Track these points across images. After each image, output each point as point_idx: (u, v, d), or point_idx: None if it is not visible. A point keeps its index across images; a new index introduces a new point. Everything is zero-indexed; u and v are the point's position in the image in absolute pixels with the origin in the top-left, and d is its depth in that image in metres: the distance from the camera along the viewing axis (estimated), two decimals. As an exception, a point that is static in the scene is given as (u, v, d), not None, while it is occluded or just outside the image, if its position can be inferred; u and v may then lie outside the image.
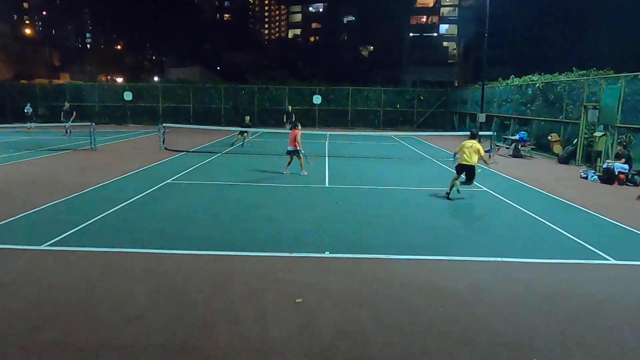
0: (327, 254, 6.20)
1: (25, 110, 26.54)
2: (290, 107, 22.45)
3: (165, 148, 17.26)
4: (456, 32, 63.67)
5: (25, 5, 79.68)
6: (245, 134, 19.08)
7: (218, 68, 71.42)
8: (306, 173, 12.19)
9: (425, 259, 6.16)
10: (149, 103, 33.04)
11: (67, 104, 24.10)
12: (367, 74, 58.02)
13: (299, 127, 12.61)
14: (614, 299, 5.03)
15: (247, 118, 19.80)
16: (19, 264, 5.72)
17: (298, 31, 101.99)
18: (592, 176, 12.62)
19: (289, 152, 12.39)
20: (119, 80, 54.47)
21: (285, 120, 21.59)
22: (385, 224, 7.81)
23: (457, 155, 9.73)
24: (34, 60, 60.52)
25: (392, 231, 7.41)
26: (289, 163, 12.50)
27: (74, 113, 23.16)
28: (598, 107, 14.57)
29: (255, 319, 4.40)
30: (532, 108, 19.56)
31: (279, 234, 7.13)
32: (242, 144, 18.98)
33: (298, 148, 12.16)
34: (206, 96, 32.94)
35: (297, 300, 4.80)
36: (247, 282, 5.25)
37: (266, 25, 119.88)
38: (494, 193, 10.53)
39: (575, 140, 15.84)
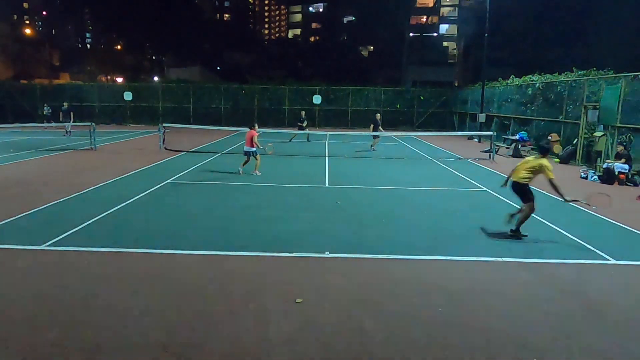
0: (327, 254, 6.20)
1: (45, 111, 26.31)
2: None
3: (165, 148, 17.26)
4: (456, 32, 63.64)
5: (25, 5, 79.69)
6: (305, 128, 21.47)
7: (218, 68, 71.41)
8: (259, 173, 12.07)
9: (425, 259, 6.16)
10: (149, 103, 33.03)
11: (65, 104, 24.09)
12: (367, 74, 58.00)
13: (256, 127, 12.34)
14: (614, 299, 5.03)
15: (303, 113, 22.51)
16: (19, 264, 5.72)
17: (298, 31, 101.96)
18: (592, 176, 12.62)
19: (246, 153, 12.22)
20: (119, 80, 54.51)
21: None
22: (385, 224, 7.81)
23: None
24: (34, 60, 60.50)
25: (392, 231, 7.41)
26: (245, 162, 12.29)
27: (72, 114, 23.14)
28: (598, 107, 14.57)
29: (255, 319, 4.40)
30: (532, 108, 19.56)
31: (279, 234, 7.13)
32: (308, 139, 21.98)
33: (255, 148, 12.04)
34: (206, 96, 32.94)
35: (297, 300, 4.80)
36: (247, 282, 5.25)
37: (266, 25, 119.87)
38: (494, 193, 10.53)
39: (575, 140, 15.84)
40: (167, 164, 14.22)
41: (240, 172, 12.12)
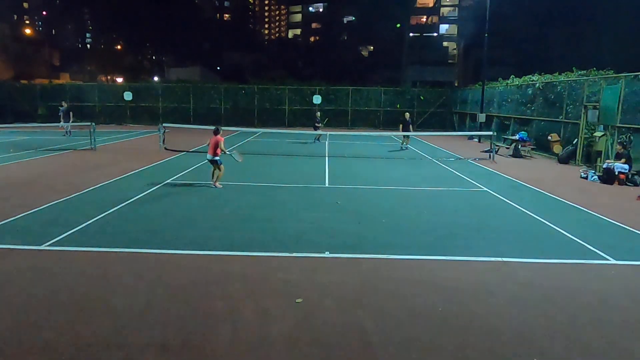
0: (327, 254, 6.20)
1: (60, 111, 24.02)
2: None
3: (165, 148, 17.26)
4: (456, 32, 63.67)
5: (25, 5, 79.76)
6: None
7: (218, 68, 71.43)
8: (220, 186, 10.45)
9: (425, 259, 6.16)
10: (149, 103, 33.02)
11: (64, 104, 24.01)
12: (367, 74, 58.02)
13: (220, 131, 10.78)
14: (614, 299, 5.03)
15: (318, 114, 22.59)
16: (19, 264, 5.72)
17: (298, 31, 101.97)
18: (592, 176, 12.62)
19: (210, 162, 10.65)
20: (119, 80, 54.51)
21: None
22: (385, 224, 7.81)
23: None
24: (34, 60, 60.51)
25: (392, 231, 7.41)
26: (213, 172, 10.71)
27: (71, 114, 23.02)
28: (598, 107, 14.57)
29: (255, 319, 4.40)
30: (532, 108, 19.56)
31: (279, 234, 7.13)
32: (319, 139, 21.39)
33: (218, 158, 10.43)
34: (206, 96, 32.93)
35: (297, 300, 4.80)
36: (247, 282, 5.26)
37: (266, 25, 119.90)
38: (494, 193, 10.53)
39: (575, 140, 15.84)
40: (167, 164, 14.21)
41: (216, 185, 10.55)
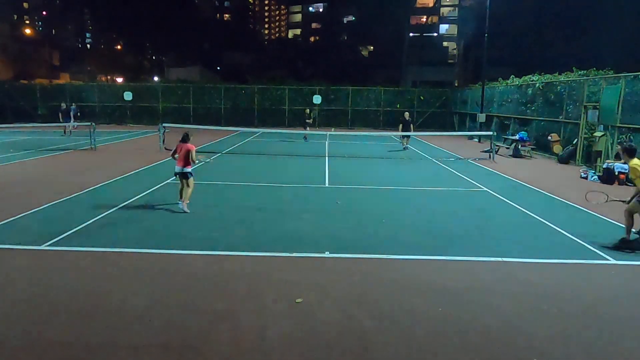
0: (327, 254, 6.20)
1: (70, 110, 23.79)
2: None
3: (165, 148, 17.23)
4: (456, 32, 63.67)
5: (25, 5, 79.69)
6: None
7: (218, 68, 71.45)
8: (187, 210, 8.27)
9: (425, 259, 6.16)
10: (149, 103, 33.01)
11: (64, 105, 23.96)
12: (367, 74, 58.02)
13: (190, 138, 8.66)
14: (614, 299, 5.03)
15: (307, 111, 22.44)
16: (19, 264, 5.72)
17: (298, 31, 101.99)
18: (592, 176, 12.62)
19: (178, 175, 8.58)
20: (119, 80, 54.51)
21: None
22: (385, 224, 7.81)
23: None
24: (34, 60, 60.48)
25: (392, 231, 7.41)
26: (182, 190, 8.58)
27: (71, 114, 22.99)
28: (598, 107, 14.57)
29: (255, 319, 4.40)
30: (532, 108, 19.56)
31: (279, 234, 7.13)
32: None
33: (191, 169, 8.52)
34: (206, 96, 32.92)
35: (297, 300, 4.80)
36: (247, 282, 5.26)
37: (266, 25, 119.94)
38: (494, 193, 10.53)
39: (575, 140, 15.84)
40: (167, 164, 14.18)
41: (184, 207, 8.37)
